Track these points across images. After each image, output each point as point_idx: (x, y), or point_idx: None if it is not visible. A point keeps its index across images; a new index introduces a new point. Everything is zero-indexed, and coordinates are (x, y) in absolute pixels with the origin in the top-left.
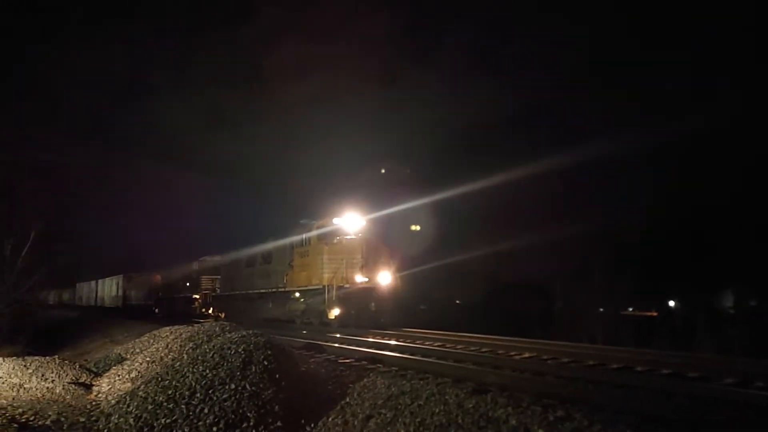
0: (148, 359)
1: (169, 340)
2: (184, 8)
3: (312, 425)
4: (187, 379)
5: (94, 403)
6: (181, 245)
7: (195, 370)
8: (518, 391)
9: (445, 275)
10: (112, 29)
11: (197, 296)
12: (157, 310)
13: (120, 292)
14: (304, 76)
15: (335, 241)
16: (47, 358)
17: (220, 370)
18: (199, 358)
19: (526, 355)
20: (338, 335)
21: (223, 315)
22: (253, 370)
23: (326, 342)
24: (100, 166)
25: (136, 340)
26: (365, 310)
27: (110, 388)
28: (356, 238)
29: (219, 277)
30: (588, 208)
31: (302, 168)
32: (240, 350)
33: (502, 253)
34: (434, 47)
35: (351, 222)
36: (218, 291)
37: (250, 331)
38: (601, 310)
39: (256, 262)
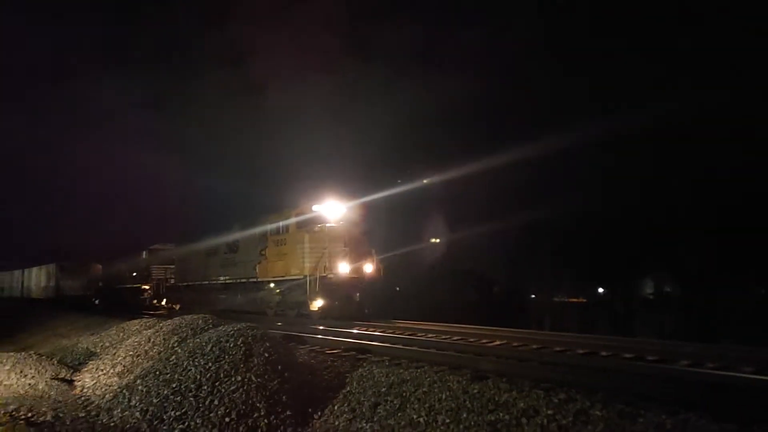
0: (131, 353)
1: (149, 334)
2: None
3: (319, 413)
4: (190, 372)
5: (82, 398)
6: (126, 232)
7: (197, 363)
8: (514, 377)
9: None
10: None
11: (147, 287)
12: (97, 302)
13: (52, 283)
14: (249, 61)
15: (317, 228)
16: (23, 353)
17: (222, 362)
18: (198, 351)
19: (497, 342)
20: (321, 327)
21: (177, 306)
22: (256, 362)
23: (307, 333)
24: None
25: (102, 334)
26: (349, 300)
27: (95, 383)
28: (338, 225)
29: (173, 266)
30: (530, 201)
31: (259, 155)
32: (239, 343)
33: (450, 243)
34: (376, 38)
35: (332, 209)
36: (172, 281)
37: (244, 324)
38: (533, 296)
39: (219, 251)
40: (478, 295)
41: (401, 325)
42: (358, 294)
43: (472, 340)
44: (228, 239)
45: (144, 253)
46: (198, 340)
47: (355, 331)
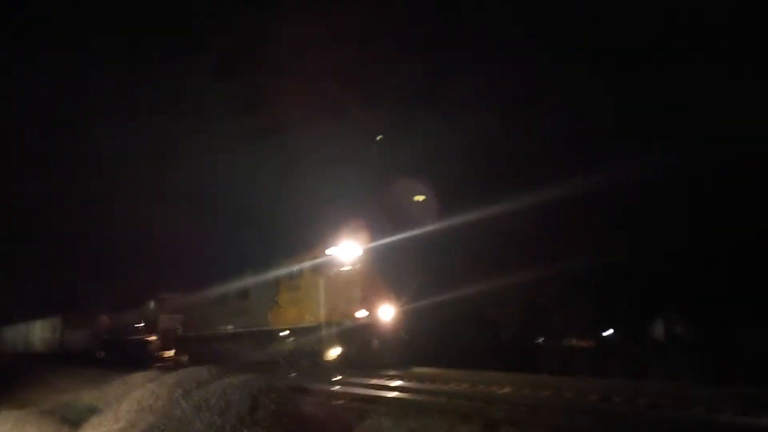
0: (135, 407)
1: (153, 387)
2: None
3: None
4: (195, 426)
5: None
6: (135, 283)
7: (201, 416)
8: (526, 425)
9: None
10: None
11: (154, 337)
12: (103, 354)
13: (57, 335)
14: (259, 110)
15: (332, 273)
16: (24, 411)
17: (228, 415)
18: (202, 404)
19: (507, 389)
20: (339, 377)
21: (187, 358)
22: (262, 414)
23: (320, 384)
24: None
25: (105, 388)
26: (367, 347)
27: None
28: (354, 269)
29: (181, 316)
30: (540, 249)
31: (270, 202)
32: (245, 395)
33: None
34: (381, 84)
35: (347, 252)
36: (180, 331)
37: (251, 375)
38: (542, 340)
39: (229, 298)
40: (490, 341)
41: (417, 372)
42: (375, 340)
43: (481, 387)
44: (238, 286)
45: (152, 303)
46: (203, 392)
47: (364, 381)
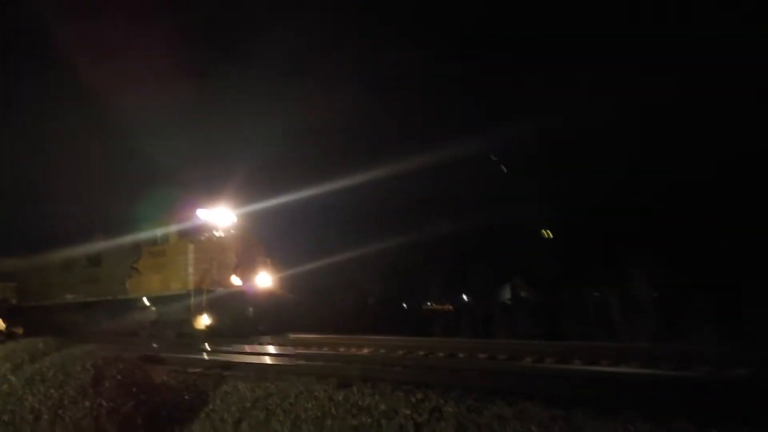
0: None
1: None
2: None
3: None
4: (25, 402)
5: None
6: None
7: (36, 391)
8: (378, 381)
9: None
10: None
11: None
12: None
13: None
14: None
15: (203, 238)
16: None
17: (67, 388)
18: (36, 377)
19: (365, 351)
20: (207, 347)
21: (21, 331)
22: (107, 385)
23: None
24: None
25: None
26: (241, 316)
27: None
28: (227, 235)
29: (14, 284)
30: (404, 215)
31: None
32: (88, 366)
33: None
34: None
35: (220, 217)
36: (13, 301)
37: (95, 345)
38: (404, 305)
39: (77, 265)
40: (357, 305)
41: (292, 338)
42: (250, 308)
43: (341, 349)
44: (88, 251)
45: None
46: (38, 365)
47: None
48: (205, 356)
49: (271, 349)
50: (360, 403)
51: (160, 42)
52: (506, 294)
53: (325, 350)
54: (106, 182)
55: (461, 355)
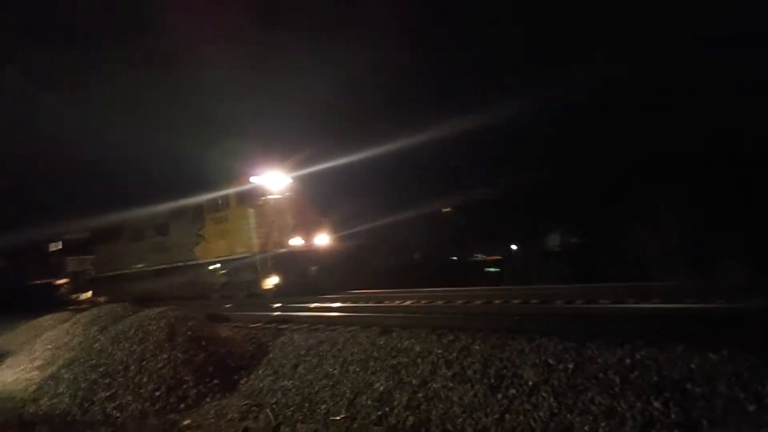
0: (50, 347)
1: (66, 327)
2: None
3: (245, 379)
4: (115, 356)
5: (4, 393)
6: (35, 222)
7: (121, 347)
8: (416, 328)
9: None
10: None
11: (63, 281)
12: None
13: None
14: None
15: (260, 202)
16: None
17: (147, 344)
18: (121, 336)
19: (408, 302)
20: (279, 305)
21: (104, 299)
22: (180, 340)
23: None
24: None
25: (10, 334)
26: (305, 275)
27: (15, 379)
28: (284, 197)
29: (92, 256)
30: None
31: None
32: (162, 324)
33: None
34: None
35: (275, 180)
36: (92, 273)
37: (165, 307)
38: (455, 258)
39: (146, 235)
40: (401, 261)
41: (352, 294)
42: (314, 267)
43: (386, 302)
44: (156, 221)
45: (53, 245)
46: (120, 326)
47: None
48: (273, 313)
49: (328, 303)
50: (398, 346)
51: (220, 9)
52: (555, 241)
53: (371, 303)
54: (170, 147)
55: (497, 301)
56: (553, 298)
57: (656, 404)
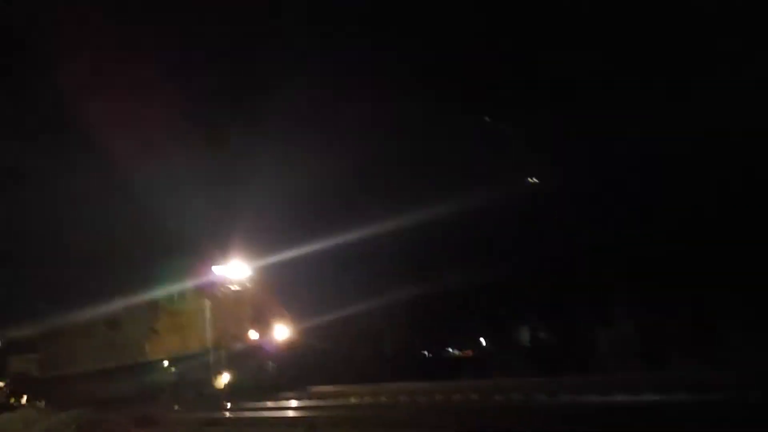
0: None
1: None
2: None
3: None
4: None
5: None
6: None
7: None
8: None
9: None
10: None
11: (1, 384)
12: None
13: None
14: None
15: (219, 294)
16: None
17: None
18: None
19: (353, 399)
20: (228, 405)
21: (43, 403)
22: None
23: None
24: None
25: None
26: (261, 371)
27: None
28: (243, 288)
29: (36, 355)
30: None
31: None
32: (72, 429)
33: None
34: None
35: (236, 271)
36: (35, 373)
37: (81, 410)
38: (425, 353)
39: (97, 331)
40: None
41: (314, 392)
42: (270, 363)
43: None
44: (108, 314)
45: None
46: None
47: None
48: (227, 414)
49: (273, 402)
50: None
51: (168, 106)
52: (525, 335)
53: (329, 401)
54: (122, 245)
55: (474, 396)
56: (510, 391)
57: None
